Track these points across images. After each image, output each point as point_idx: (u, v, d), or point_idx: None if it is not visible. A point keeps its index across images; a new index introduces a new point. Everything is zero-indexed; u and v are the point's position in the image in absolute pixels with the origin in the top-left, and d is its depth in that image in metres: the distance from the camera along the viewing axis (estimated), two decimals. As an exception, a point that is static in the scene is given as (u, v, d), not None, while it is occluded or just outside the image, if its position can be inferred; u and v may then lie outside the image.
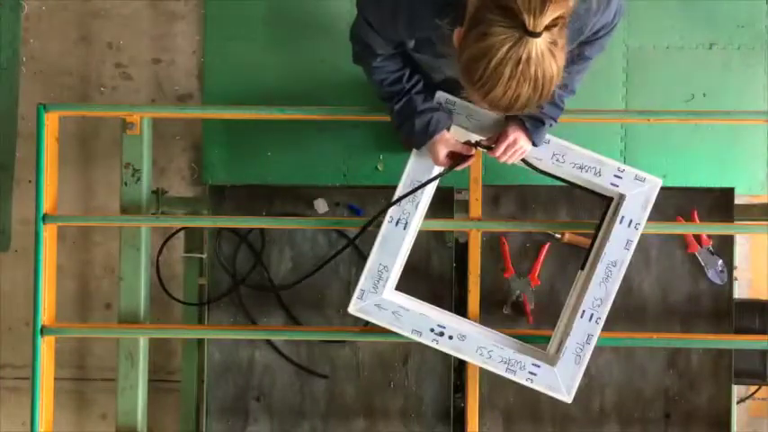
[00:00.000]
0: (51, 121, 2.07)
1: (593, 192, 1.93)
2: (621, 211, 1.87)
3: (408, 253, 1.93)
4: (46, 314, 2.06)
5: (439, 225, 2.08)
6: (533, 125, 1.80)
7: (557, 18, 1.32)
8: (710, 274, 2.18)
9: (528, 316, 2.15)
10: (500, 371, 1.89)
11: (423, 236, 2.02)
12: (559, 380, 1.87)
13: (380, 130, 2.88)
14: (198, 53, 3.02)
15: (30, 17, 3.04)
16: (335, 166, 2.89)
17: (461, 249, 2.17)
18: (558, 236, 2.17)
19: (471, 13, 1.38)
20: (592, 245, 1.92)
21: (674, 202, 2.16)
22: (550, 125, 1.82)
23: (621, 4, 1.68)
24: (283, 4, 2.96)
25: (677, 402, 2.19)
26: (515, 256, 2.18)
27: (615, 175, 1.88)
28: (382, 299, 1.89)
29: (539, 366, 1.88)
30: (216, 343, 2.21)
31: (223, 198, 2.24)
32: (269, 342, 2.19)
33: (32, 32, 3.04)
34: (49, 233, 2.07)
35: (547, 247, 2.17)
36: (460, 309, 2.10)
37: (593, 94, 2.98)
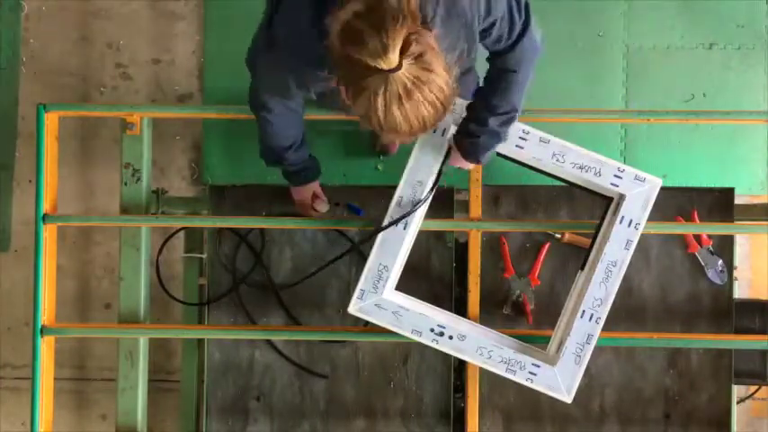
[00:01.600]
0: (51, 121, 2.07)
1: (593, 192, 1.93)
2: (621, 211, 1.87)
3: (408, 253, 1.93)
4: (46, 314, 2.06)
5: (439, 225, 2.08)
6: (466, 151, 1.83)
7: (407, 38, 1.30)
8: (710, 274, 2.18)
9: (528, 316, 2.15)
10: (500, 371, 1.89)
11: (423, 236, 2.02)
12: (559, 380, 1.87)
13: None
14: (198, 53, 3.02)
15: (30, 17, 3.04)
16: (335, 166, 2.89)
17: (461, 249, 2.17)
18: (558, 236, 2.17)
19: (338, 74, 1.39)
20: (592, 245, 1.92)
21: (674, 202, 2.16)
22: (497, 141, 1.81)
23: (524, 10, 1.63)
24: (283, 4, 2.95)
25: (677, 402, 2.19)
26: (515, 256, 2.18)
27: (615, 175, 1.87)
28: (382, 299, 1.89)
29: (538, 366, 1.88)
30: (216, 343, 2.20)
31: (223, 198, 2.24)
32: (269, 342, 2.19)
33: (32, 32, 3.04)
34: (49, 233, 2.07)
35: (547, 247, 2.17)
36: (460, 309, 2.10)
37: (593, 94, 2.99)
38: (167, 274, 2.94)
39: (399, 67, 1.30)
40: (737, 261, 2.24)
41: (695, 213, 2.18)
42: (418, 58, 1.31)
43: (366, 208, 2.21)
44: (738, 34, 2.94)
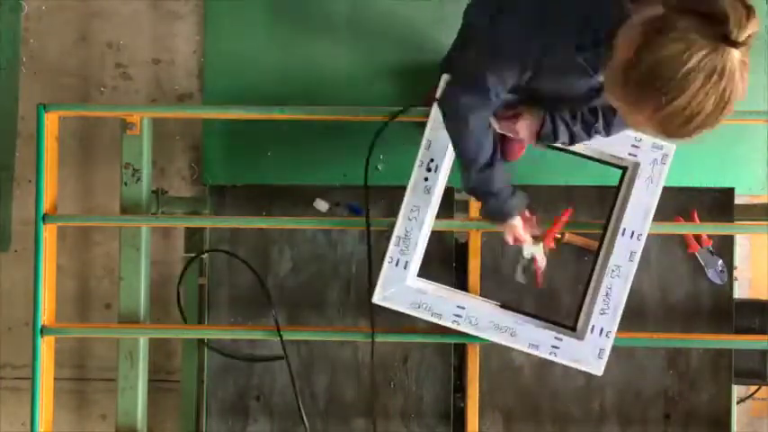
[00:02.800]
0: (51, 121, 2.07)
1: (605, 162, 1.95)
2: (639, 177, 1.90)
3: (427, 240, 1.94)
4: (46, 314, 2.06)
5: (439, 225, 2.08)
6: (551, 130, 1.75)
7: (754, 33, 1.26)
8: (710, 274, 2.18)
9: (537, 279, 2.09)
10: (522, 347, 1.91)
11: (423, 236, 2.02)
12: (587, 351, 1.88)
13: (380, 130, 2.87)
14: (198, 53, 3.02)
15: (30, 17, 3.04)
16: (335, 166, 2.89)
17: (461, 249, 2.17)
18: (559, 236, 2.16)
19: (652, 20, 1.29)
20: (609, 217, 1.94)
21: (674, 202, 2.16)
22: (563, 142, 1.78)
23: None
24: (283, 4, 2.96)
25: (677, 402, 2.19)
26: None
27: (633, 145, 1.90)
28: (406, 286, 1.90)
29: (561, 339, 1.90)
30: (216, 343, 2.20)
31: (223, 198, 2.24)
32: (269, 342, 2.19)
33: (32, 32, 3.04)
34: (49, 233, 2.07)
35: (569, 211, 2.08)
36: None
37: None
38: (167, 274, 2.95)
39: (738, 46, 1.26)
40: (737, 261, 2.25)
41: (695, 213, 2.18)
42: (745, 62, 1.30)
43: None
44: (738, 34, 2.93)
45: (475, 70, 1.62)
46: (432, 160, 1.91)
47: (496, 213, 1.84)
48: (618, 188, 1.95)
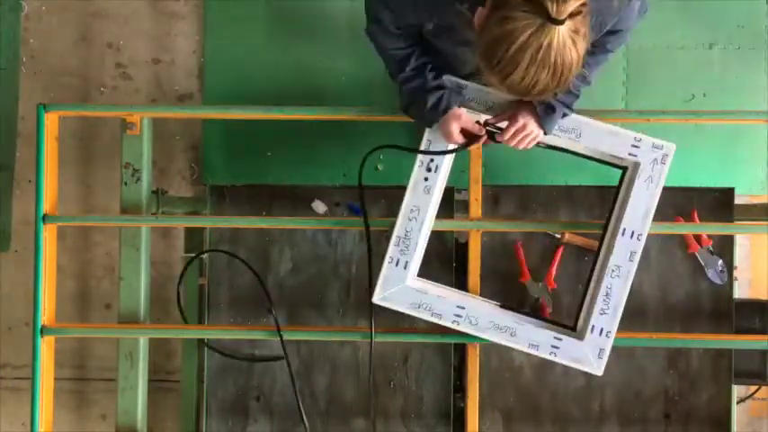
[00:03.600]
0: (51, 121, 2.07)
1: (604, 162, 1.96)
2: (639, 176, 1.90)
3: (427, 240, 1.95)
4: (46, 314, 2.06)
5: (439, 225, 2.08)
6: (545, 112, 1.80)
7: (580, 6, 1.33)
8: (710, 274, 2.18)
9: (545, 311, 2.14)
10: (522, 347, 1.91)
11: (423, 236, 2.02)
12: (587, 351, 1.88)
13: (380, 130, 2.87)
14: (198, 53, 3.02)
15: (30, 17, 3.04)
16: (335, 166, 2.89)
17: (461, 249, 2.17)
18: (558, 236, 2.17)
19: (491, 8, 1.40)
20: (609, 217, 1.94)
21: (674, 202, 2.16)
22: (564, 114, 1.83)
23: (646, 2, 1.70)
24: (283, 4, 2.96)
25: (677, 402, 2.19)
26: (530, 259, 2.18)
27: (633, 145, 1.91)
28: (406, 286, 1.90)
29: (561, 339, 1.90)
30: (216, 343, 2.20)
31: (223, 198, 2.24)
32: (269, 342, 2.19)
33: (32, 32, 3.04)
34: (49, 233, 2.07)
35: (561, 249, 2.17)
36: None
37: (593, 94, 2.98)
38: (167, 274, 2.95)
39: (561, 23, 1.33)
40: (737, 261, 2.25)
41: (695, 213, 2.18)
42: (575, 30, 1.35)
43: (366, 208, 2.21)
44: (738, 34, 2.93)
45: (375, 7, 1.74)
46: (431, 160, 1.91)
47: (435, 110, 1.81)
48: (618, 188, 1.95)
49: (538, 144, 1.88)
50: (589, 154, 1.94)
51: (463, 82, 1.86)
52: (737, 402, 2.31)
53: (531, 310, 2.14)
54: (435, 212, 1.96)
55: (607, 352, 1.90)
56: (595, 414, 2.19)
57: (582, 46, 1.38)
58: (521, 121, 1.80)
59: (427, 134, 1.91)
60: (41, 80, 3.04)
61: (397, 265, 1.91)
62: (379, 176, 2.89)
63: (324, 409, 2.20)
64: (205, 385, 2.21)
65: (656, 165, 1.91)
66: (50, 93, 3.01)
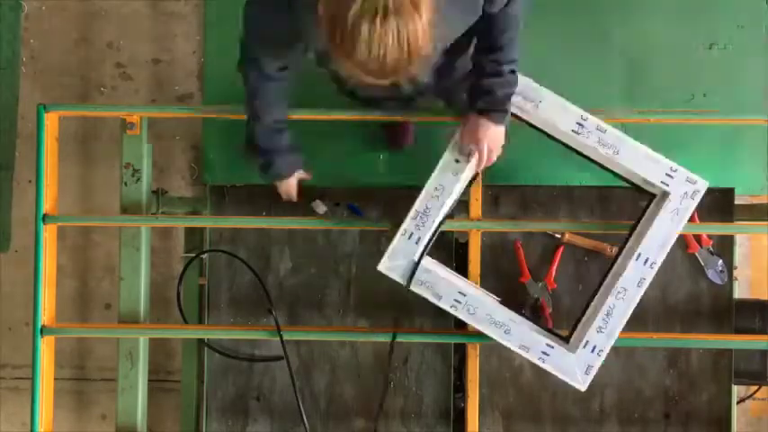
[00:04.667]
0: (51, 121, 2.07)
1: (634, 185, 1.95)
2: (666, 207, 1.89)
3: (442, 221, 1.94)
4: (46, 314, 2.06)
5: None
6: (486, 104, 1.80)
7: None
8: (710, 274, 2.18)
9: (547, 319, 2.15)
10: (513, 346, 1.89)
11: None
12: (575, 365, 1.87)
13: (380, 130, 2.88)
14: (198, 53, 3.02)
15: (30, 17, 3.04)
16: (335, 166, 2.89)
17: (461, 249, 2.17)
18: (558, 236, 2.17)
19: None
20: (627, 238, 1.93)
21: (674, 202, 2.16)
22: (506, 103, 1.82)
23: None
24: (283, 4, 2.95)
25: (677, 402, 2.19)
26: (530, 259, 2.18)
27: (667, 174, 1.90)
28: (413, 261, 1.89)
29: (552, 348, 1.88)
30: (216, 343, 2.20)
31: (223, 198, 2.24)
32: (269, 342, 2.19)
33: (32, 32, 3.04)
34: (49, 233, 2.07)
35: (561, 250, 2.17)
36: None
37: (593, 94, 2.99)
38: (167, 274, 2.95)
39: None
40: (737, 261, 2.24)
41: (695, 213, 2.18)
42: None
43: (366, 208, 2.21)
44: (738, 34, 2.94)
45: (247, 53, 1.82)
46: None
47: (275, 171, 1.95)
48: (643, 212, 1.94)
49: (571, 149, 1.92)
50: (623, 174, 1.94)
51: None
52: (737, 402, 2.31)
53: (531, 310, 2.14)
54: (458, 196, 1.95)
55: (595, 369, 1.87)
56: (595, 414, 2.19)
57: (426, 11, 1.31)
58: (477, 136, 1.83)
59: (450, 152, 1.91)
60: (41, 80, 3.04)
61: (409, 238, 1.89)
62: (379, 176, 2.90)
63: (324, 409, 2.20)
64: (205, 385, 2.21)
65: (686, 198, 1.90)
66: (50, 93, 3.01)
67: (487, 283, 2.08)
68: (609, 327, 1.88)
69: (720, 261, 2.18)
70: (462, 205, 2.14)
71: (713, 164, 2.86)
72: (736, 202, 2.22)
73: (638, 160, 1.90)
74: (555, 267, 2.16)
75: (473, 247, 2.06)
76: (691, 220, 2.17)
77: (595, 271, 2.15)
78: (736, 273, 2.22)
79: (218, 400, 2.21)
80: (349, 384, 2.20)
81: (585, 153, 1.93)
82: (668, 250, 1.89)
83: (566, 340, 1.92)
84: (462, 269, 2.12)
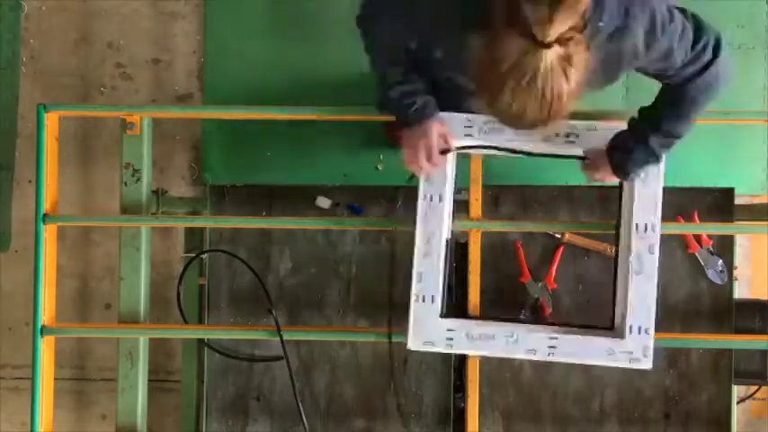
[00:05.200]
0: (51, 121, 2.07)
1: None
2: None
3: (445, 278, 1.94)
4: (46, 314, 2.06)
5: (439, 225, 2.08)
6: (620, 158, 1.80)
7: (571, 30, 1.27)
8: (710, 274, 2.18)
9: (546, 319, 2.14)
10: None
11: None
12: (631, 350, 1.88)
13: (380, 130, 2.87)
14: (198, 53, 3.02)
15: (30, 17, 3.04)
16: (335, 166, 2.89)
17: (461, 249, 2.17)
18: (558, 236, 2.17)
19: (489, 20, 1.34)
20: (618, 220, 1.94)
21: (674, 202, 2.16)
22: (641, 166, 1.82)
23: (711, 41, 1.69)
24: (283, 4, 2.96)
25: (677, 402, 2.19)
26: (530, 260, 2.18)
27: None
28: (437, 326, 1.90)
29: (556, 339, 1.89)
30: (216, 343, 2.20)
31: (223, 198, 2.24)
32: (269, 342, 2.19)
33: (32, 32, 3.04)
34: (49, 233, 2.07)
35: (561, 249, 2.17)
36: (461, 309, 2.09)
37: (593, 94, 2.98)
38: (167, 274, 2.95)
39: (549, 46, 1.27)
40: (737, 261, 2.24)
41: (695, 213, 2.18)
42: (566, 57, 1.29)
43: (366, 208, 2.21)
44: (738, 34, 2.93)
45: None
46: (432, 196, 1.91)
47: (419, 109, 1.75)
48: (619, 190, 1.94)
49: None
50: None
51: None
52: (737, 402, 2.31)
53: (531, 310, 2.14)
54: (449, 232, 1.96)
55: (651, 349, 1.87)
56: (595, 414, 2.19)
57: (575, 75, 1.30)
58: (596, 176, 1.86)
59: (423, 188, 1.91)
60: (41, 80, 3.04)
61: (423, 301, 1.91)
62: (379, 176, 2.89)
63: (324, 409, 2.20)
64: (205, 385, 2.21)
65: None
66: (50, 93, 3.01)
67: (487, 281, 2.08)
68: (644, 304, 1.87)
69: (720, 261, 2.18)
70: (462, 205, 2.15)
71: (713, 164, 2.86)
72: (736, 202, 2.21)
73: (597, 138, 1.89)
74: (555, 267, 2.16)
75: (473, 247, 2.06)
76: (691, 220, 2.17)
77: (595, 271, 2.15)
78: (736, 273, 2.22)
79: (218, 400, 2.21)
80: (349, 384, 2.20)
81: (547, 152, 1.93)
82: (661, 209, 1.88)
83: (611, 329, 1.92)
84: (462, 269, 2.12)
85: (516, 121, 1.37)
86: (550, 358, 1.89)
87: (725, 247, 2.18)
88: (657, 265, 1.88)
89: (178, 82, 3.03)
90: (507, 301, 2.10)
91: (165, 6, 3.02)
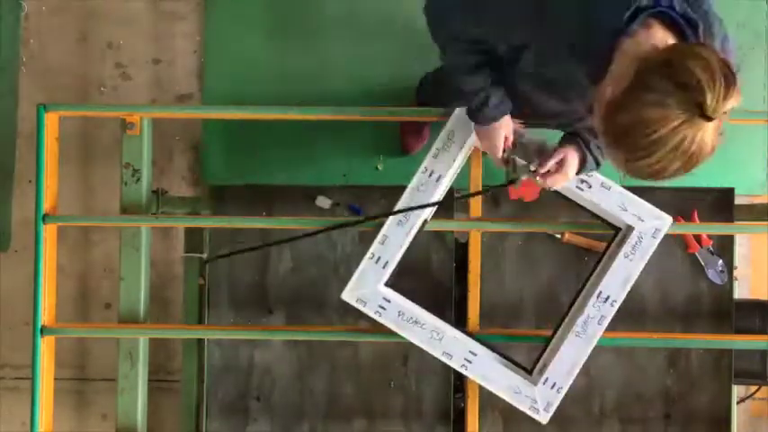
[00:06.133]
0: (51, 121, 2.07)
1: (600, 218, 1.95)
2: (627, 243, 1.89)
3: (405, 249, 1.94)
4: (46, 314, 2.06)
5: (439, 225, 2.08)
6: (585, 166, 1.80)
7: (732, 108, 1.28)
8: (710, 274, 2.18)
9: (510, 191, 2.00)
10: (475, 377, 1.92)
11: (423, 236, 2.02)
12: (537, 398, 1.88)
13: (380, 130, 2.88)
14: (198, 53, 3.02)
15: (30, 17, 3.04)
16: (335, 166, 2.89)
17: (461, 249, 2.17)
18: (558, 236, 2.17)
19: (630, 73, 1.31)
20: (590, 274, 1.94)
21: (674, 202, 2.16)
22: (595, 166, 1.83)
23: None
24: (283, 4, 2.96)
25: (677, 402, 2.19)
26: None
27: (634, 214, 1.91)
28: (377, 290, 1.90)
29: (475, 355, 1.90)
30: (216, 343, 2.21)
31: (223, 198, 2.24)
32: (269, 342, 2.19)
33: (32, 32, 3.04)
34: (49, 233, 2.07)
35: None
36: (461, 309, 2.10)
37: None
38: (167, 274, 2.95)
39: (713, 119, 1.26)
40: (737, 261, 2.24)
41: (695, 213, 2.18)
42: (718, 128, 1.30)
43: (366, 208, 2.21)
44: (738, 34, 2.93)
45: (449, 15, 1.64)
46: (433, 171, 1.91)
47: (497, 110, 1.74)
48: (606, 247, 1.95)
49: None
50: (589, 207, 1.94)
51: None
52: (737, 402, 2.31)
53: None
54: (428, 216, 1.97)
55: (554, 406, 1.89)
56: (595, 414, 2.19)
57: (719, 136, 1.32)
58: (561, 155, 1.79)
59: (427, 161, 1.91)
60: (41, 80, 3.04)
61: (377, 262, 1.91)
62: (379, 176, 2.90)
63: (324, 409, 2.20)
64: (205, 385, 2.21)
65: (647, 237, 1.90)
66: (50, 93, 3.01)
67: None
68: (569, 365, 1.88)
69: (720, 261, 2.18)
70: (462, 205, 2.15)
71: (713, 164, 2.84)
72: (736, 202, 2.21)
73: (604, 195, 1.90)
74: (551, 159, 1.86)
75: (473, 247, 2.06)
76: (691, 220, 2.17)
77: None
78: (736, 273, 2.22)
79: (218, 400, 2.21)
80: (349, 384, 2.20)
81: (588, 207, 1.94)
82: (629, 288, 1.89)
83: (528, 372, 1.92)
84: (462, 269, 2.12)
85: (649, 176, 1.36)
86: (461, 370, 1.91)
87: (725, 247, 2.18)
88: (599, 336, 1.88)
89: (178, 82, 3.03)
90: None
91: (165, 6, 3.02)
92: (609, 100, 1.35)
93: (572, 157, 1.79)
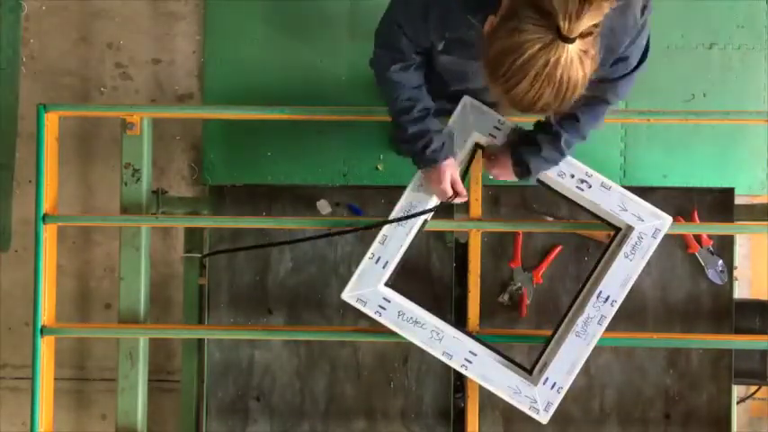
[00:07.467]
0: (51, 121, 2.07)
1: (600, 218, 1.94)
2: (627, 243, 1.88)
3: (405, 249, 1.94)
4: (46, 314, 2.06)
5: (439, 225, 2.08)
6: (520, 173, 1.84)
7: (592, 26, 1.31)
8: (710, 274, 2.18)
9: (522, 308, 2.14)
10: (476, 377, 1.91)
11: (423, 236, 2.02)
12: (537, 398, 1.88)
13: (380, 130, 2.88)
14: (198, 53, 3.02)
15: (30, 17, 3.04)
16: (335, 166, 2.89)
17: (461, 249, 2.17)
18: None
19: (506, 5, 1.37)
20: (589, 276, 1.94)
21: (674, 202, 2.16)
22: (546, 166, 1.85)
23: (649, 48, 1.68)
24: (283, 4, 2.96)
25: (677, 402, 2.19)
26: (526, 251, 2.18)
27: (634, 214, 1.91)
28: (377, 290, 1.90)
29: (476, 355, 1.89)
30: (216, 343, 2.21)
31: (223, 198, 2.24)
32: (269, 342, 2.19)
33: (32, 32, 3.04)
34: (49, 233, 2.07)
35: (558, 249, 2.17)
36: (460, 309, 2.10)
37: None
38: (167, 274, 2.95)
39: (572, 41, 1.30)
40: (737, 261, 2.25)
41: (695, 213, 2.18)
42: (585, 50, 1.33)
43: (366, 208, 2.21)
44: (738, 34, 2.93)
45: (389, 32, 1.71)
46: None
47: (437, 154, 1.82)
48: (606, 247, 1.94)
49: (543, 184, 1.92)
50: (589, 207, 1.93)
51: (477, 103, 1.89)
52: (737, 402, 2.31)
53: (510, 296, 2.15)
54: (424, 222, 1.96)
55: (554, 406, 1.88)
56: (595, 414, 2.19)
57: (589, 66, 1.35)
58: (494, 171, 1.89)
59: (416, 180, 1.92)
60: (41, 80, 3.04)
61: (377, 262, 1.91)
62: (379, 176, 2.90)
63: (324, 409, 2.20)
64: (205, 385, 2.21)
65: (647, 237, 1.89)
66: (50, 93, 3.01)
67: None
68: (569, 365, 1.87)
69: (720, 261, 2.18)
70: (462, 206, 2.15)
71: (713, 164, 2.86)
72: (736, 202, 2.21)
73: (604, 195, 1.90)
74: (546, 264, 2.16)
75: (473, 247, 2.06)
76: (691, 219, 2.17)
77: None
78: (736, 273, 2.22)
79: (218, 400, 2.21)
80: (349, 384, 2.20)
81: (554, 187, 1.93)
82: (628, 290, 1.89)
83: (528, 372, 1.92)
84: (462, 269, 2.12)
85: (528, 107, 1.40)
86: (461, 370, 1.90)
87: (725, 247, 2.18)
88: (599, 336, 1.88)
89: (178, 82, 3.03)
90: (492, 280, 2.11)
91: (165, 6, 3.02)
92: (486, 33, 1.40)
93: (503, 161, 1.86)
